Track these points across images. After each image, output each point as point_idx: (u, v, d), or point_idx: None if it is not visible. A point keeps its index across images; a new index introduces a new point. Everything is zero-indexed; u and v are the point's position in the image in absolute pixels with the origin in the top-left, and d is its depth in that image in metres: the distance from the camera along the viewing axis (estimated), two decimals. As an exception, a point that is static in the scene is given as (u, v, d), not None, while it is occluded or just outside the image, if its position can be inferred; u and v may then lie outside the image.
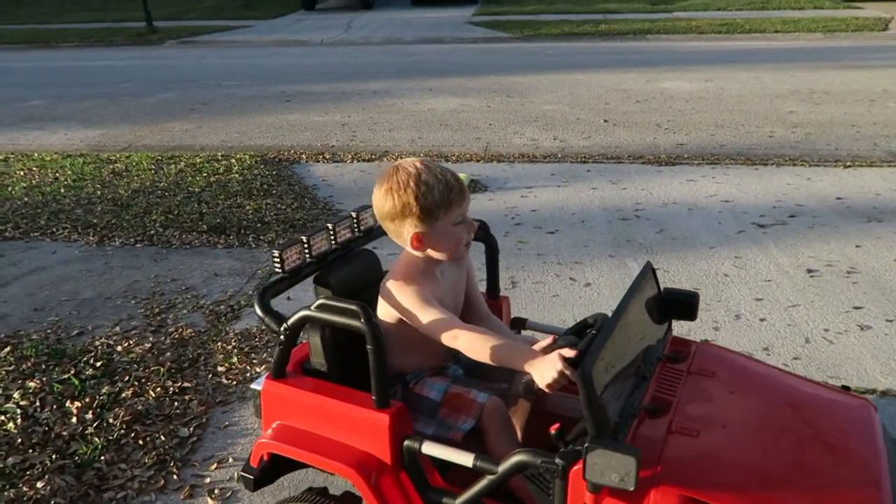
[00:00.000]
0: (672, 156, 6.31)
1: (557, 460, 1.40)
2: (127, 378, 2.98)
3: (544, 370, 1.47)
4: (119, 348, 3.25)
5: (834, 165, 5.88)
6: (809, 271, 3.87)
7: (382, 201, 1.74)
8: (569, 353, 1.45)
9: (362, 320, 1.52)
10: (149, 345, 3.27)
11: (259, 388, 1.78)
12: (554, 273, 3.96)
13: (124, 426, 2.65)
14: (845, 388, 1.77)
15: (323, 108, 8.72)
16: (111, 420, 2.69)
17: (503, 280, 3.86)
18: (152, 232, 4.76)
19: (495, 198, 5.31)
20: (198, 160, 6.44)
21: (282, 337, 1.68)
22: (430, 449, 1.59)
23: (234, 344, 3.26)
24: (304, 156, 6.62)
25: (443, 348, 1.72)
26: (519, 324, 2.27)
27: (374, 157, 6.55)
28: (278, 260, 1.79)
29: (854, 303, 3.51)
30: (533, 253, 4.25)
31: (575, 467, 1.37)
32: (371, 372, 1.56)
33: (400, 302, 1.72)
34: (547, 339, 1.66)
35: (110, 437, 2.59)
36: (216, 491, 2.35)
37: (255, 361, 3.11)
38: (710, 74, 10.20)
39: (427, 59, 12.61)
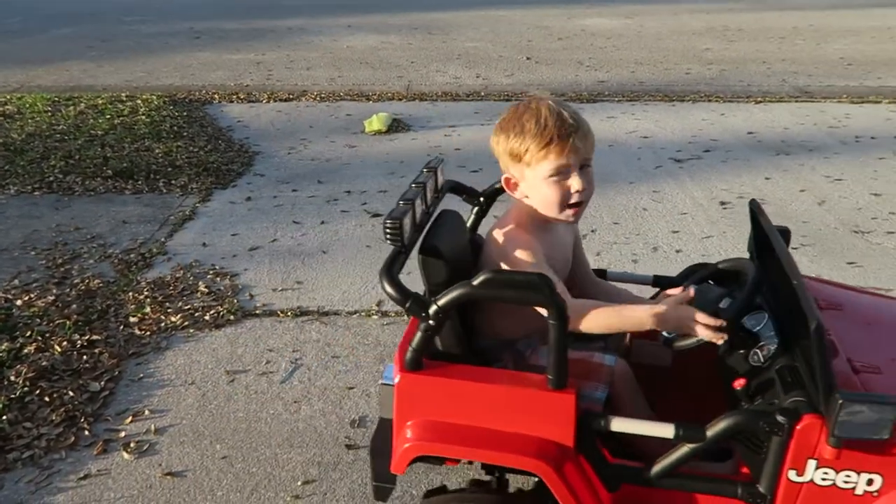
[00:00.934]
0: (593, 93, 6.34)
1: (780, 418, 1.32)
2: (29, 333, 2.79)
3: (678, 324, 1.42)
4: (19, 302, 3.04)
5: (746, 101, 6.06)
6: (722, 203, 4.00)
7: (493, 136, 1.62)
8: (708, 320, 1.41)
9: (548, 292, 1.32)
10: (52, 297, 3.07)
11: (392, 382, 1.49)
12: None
13: (28, 383, 2.50)
14: None
15: (235, 45, 8.28)
16: (13, 378, 2.53)
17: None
18: (51, 178, 4.44)
19: (418, 137, 5.21)
20: (99, 101, 6.01)
21: (431, 322, 1.38)
22: (622, 425, 1.43)
23: (146, 293, 3.11)
24: (216, 96, 6.29)
25: None
26: (599, 275, 2.03)
27: (291, 96, 6.29)
28: (396, 230, 1.47)
29: (762, 232, 3.66)
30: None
31: (801, 424, 1.31)
32: (551, 349, 1.37)
33: (508, 251, 1.53)
34: (680, 291, 1.59)
35: (12, 396, 2.44)
36: (132, 444, 2.26)
37: (170, 311, 2.98)
38: (631, 11, 10.25)
39: (345, -7, 12.11)
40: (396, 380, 1.47)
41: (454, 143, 5.07)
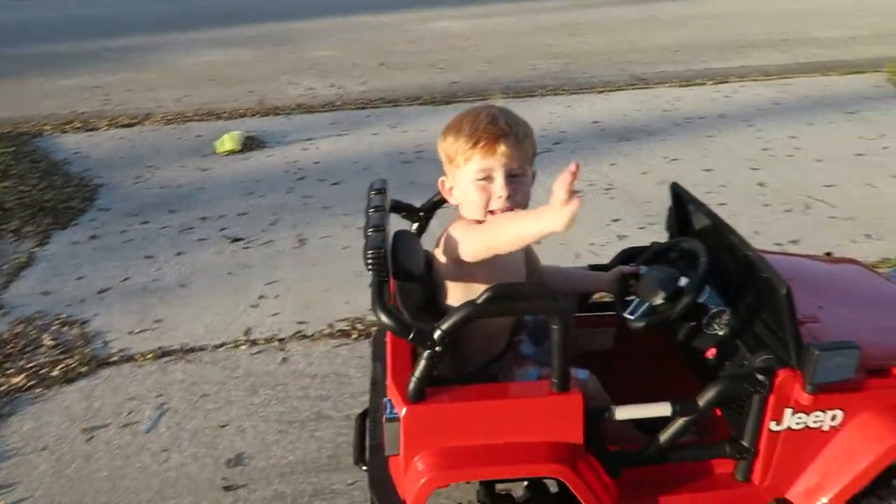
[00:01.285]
0: (447, 94, 6.46)
1: (759, 377, 1.46)
2: None
3: (561, 214, 1.31)
4: None
5: (589, 92, 6.40)
6: (575, 192, 4.20)
7: (439, 136, 1.60)
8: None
9: (552, 299, 1.35)
10: None
11: (398, 416, 1.43)
12: (342, 225, 3.90)
13: None
14: (828, 254, 2.18)
15: (66, 69, 7.68)
16: None
17: (289, 239, 3.74)
18: None
19: (275, 153, 5.08)
20: None
21: (438, 349, 1.36)
22: (625, 412, 1.50)
23: (-19, 355, 2.82)
24: (48, 127, 5.81)
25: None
26: None
27: (134, 121, 5.93)
28: (379, 260, 1.43)
29: (613, 216, 3.89)
30: (319, 206, 4.15)
31: (777, 379, 1.46)
32: (555, 354, 1.39)
33: (462, 265, 1.51)
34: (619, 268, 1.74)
35: None
36: (-23, 527, 2.04)
37: (10, 371, 2.71)
38: (483, 11, 10.54)
39: (183, 6, 11.57)
40: (403, 413, 1.42)
41: (312, 156, 4.99)
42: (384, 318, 1.36)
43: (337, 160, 4.90)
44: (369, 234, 1.52)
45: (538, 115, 5.74)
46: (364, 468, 1.77)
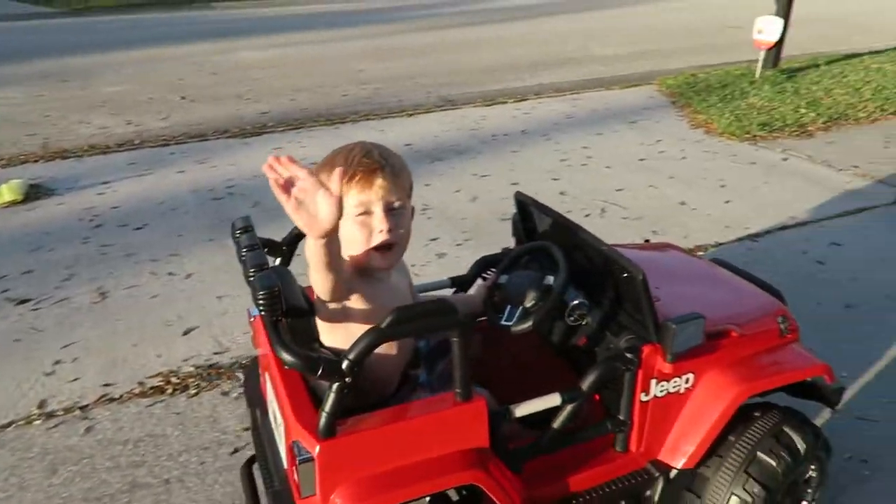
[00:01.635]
0: (257, 125, 6.28)
1: (629, 356, 1.63)
2: None
3: (320, 210, 1.24)
4: None
5: (400, 115, 6.54)
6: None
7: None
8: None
9: (454, 313, 1.37)
10: None
11: (311, 456, 1.35)
12: (149, 272, 3.62)
13: None
14: (647, 241, 2.45)
15: None
16: None
17: (87, 294, 3.41)
18: None
19: (66, 201, 4.62)
20: None
21: (348, 379, 1.33)
22: (521, 409, 1.59)
23: None
24: None
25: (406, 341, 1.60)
26: None
27: None
28: (273, 299, 1.36)
29: (430, 235, 3.98)
30: (121, 255, 3.82)
31: (643, 355, 1.65)
32: (457, 365, 1.43)
33: (343, 303, 1.47)
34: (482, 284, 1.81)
35: None
36: None
37: None
38: (285, 39, 10.41)
39: (-55, 44, 10.24)
40: (316, 451, 1.35)
41: (110, 201, 4.60)
42: (289, 357, 1.32)
43: (139, 203, 4.56)
44: (254, 274, 1.46)
45: (352, 141, 5.75)
46: None
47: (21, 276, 3.59)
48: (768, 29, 7.01)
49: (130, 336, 3.05)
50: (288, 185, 1.25)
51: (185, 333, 3.06)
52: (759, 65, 7.31)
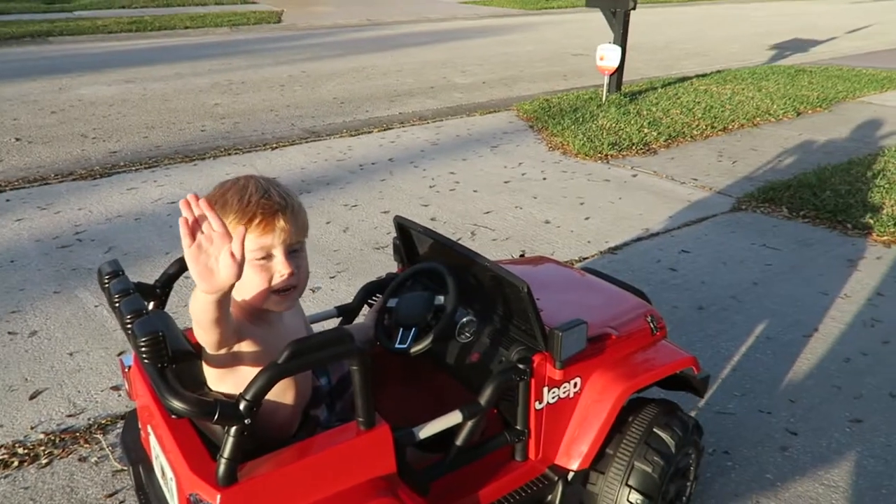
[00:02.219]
0: (106, 166, 5.88)
1: (521, 366, 1.68)
2: None
3: (220, 268, 1.19)
4: None
5: (263, 149, 6.38)
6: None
7: None
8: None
9: (350, 341, 1.33)
10: None
11: None
12: (-15, 332, 3.25)
13: None
14: (522, 255, 2.42)
15: None
16: None
17: None
18: None
19: None
20: None
21: (247, 420, 1.25)
22: (425, 431, 1.57)
23: None
24: None
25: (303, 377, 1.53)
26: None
27: None
28: (158, 345, 1.27)
29: (303, 270, 3.88)
30: (-51, 317, 3.41)
31: (534, 364, 1.69)
32: (357, 393, 1.39)
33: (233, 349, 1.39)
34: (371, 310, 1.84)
35: None
36: None
37: None
38: (129, 75, 9.85)
39: None
40: (217, 501, 1.26)
41: (-65, 256, 4.09)
42: (180, 405, 1.23)
43: (-27, 256, 4.10)
44: (132, 321, 1.35)
45: (214, 177, 5.53)
46: None
47: None
48: (609, 56, 7.56)
49: (-35, 406, 2.71)
50: (195, 227, 1.19)
51: (33, 397, 2.77)
52: (605, 89, 7.85)
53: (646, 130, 6.73)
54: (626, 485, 1.80)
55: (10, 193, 5.23)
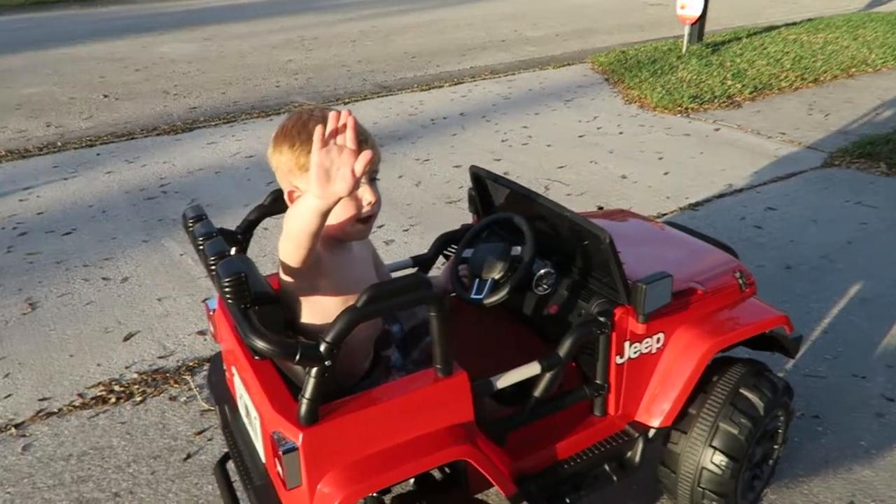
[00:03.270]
0: (187, 121, 6.05)
1: (602, 319, 1.62)
2: None
3: (337, 179, 1.20)
4: None
5: (336, 104, 6.42)
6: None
7: (274, 144, 1.46)
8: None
9: (428, 287, 1.31)
10: None
11: (294, 445, 1.28)
12: (82, 278, 3.44)
13: None
14: (600, 208, 2.47)
15: None
16: None
17: (15, 306, 3.21)
18: None
19: (-15, 210, 4.34)
20: None
21: (327, 363, 1.27)
22: (504, 381, 1.55)
23: None
24: None
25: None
26: None
27: None
28: (241, 286, 1.28)
29: (377, 223, 3.89)
30: (50, 262, 3.61)
31: (616, 318, 1.64)
32: (436, 341, 1.38)
33: (310, 279, 1.42)
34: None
35: None
36: None
37: None
38: (207, 33, 10.05)
39: None
40: (300, 440, 1.28)
41: (34, 206, 4.34)
42: (262, 345, 1.24)
43: (66, 207, 4.32)
44: (215, 263, 1.37)
45: (288, 132, 5.61)
46: None
47: (-61, 293, 3.35)
48: (690, 4, 7.17)
49: (66, 346, 2.89)
50: (330, 137, 1.22)
51: (126, 339, 2.92)
52: (685, 39, 7.48)
53: (729, 82, 6.40)
54: (710, 446, 1.75)
55: (101, 147, 5.47)
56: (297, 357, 1.25)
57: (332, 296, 1.46)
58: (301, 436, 1.29)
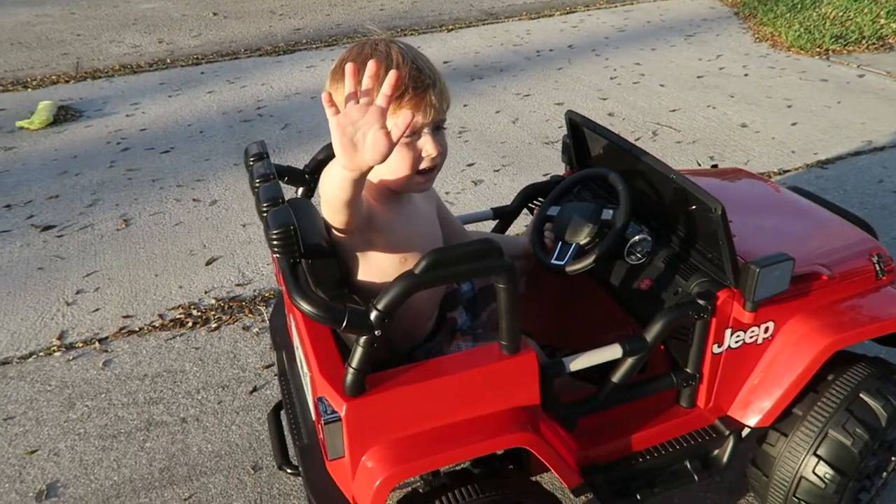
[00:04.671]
0: (290, 42, 6.00)
1: (701, 302, 1.40)
2: None
3: (367, 146, 1.04)
4: None
5: (439, 30, 6.16)
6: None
7: (331, 77, 1.28)
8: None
9: (497, 256, 1.15)
10: None
11: (338, 416, 1.19)
12: (174, 198, 3.50)
13: None
14: (714, 166, 2.19)
15: None
16: None
17: (112, 221, 3.31)
18: None
19: (94, 124, 4.49)
20: None
21: (377, 332, 1.14)
22: (578, 363, 1.39)
23: None
24: None
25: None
26: None
27: (-82, 98, 5.06)
28: (289, 239, 1.18)
29: (467, 160, 3.74)
30: (147, 179, 3.70)
31: (718, 301, 1.41)
32: (503, 314, 1.23)
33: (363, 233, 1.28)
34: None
35: None
36: None
37: None
38: (318, -49, 9.90)
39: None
40: (343, 411, 1.19)
41: (139, 122, 4.45)
42: (307, 307, 1.13)
43: (167, 125, 4.41)
44: (267, 210, 1.26)
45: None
46: (290, 472, 1.58)
47: (47, 202, 3.51)
48: (849, -73, 6.27)
49: (153, 265, 2.95)
50: (351, 96, 1.04)
51: (208, 263, 2.95)
52: (836, -30, 6.60)
53: (882, 21, 5.60)
54: (815, 454, 1.51)
55: (205, 66, 5.53)
56: (344, 324, 1.13)
57: (389, 253, 1.32)
58: (345, 407, 1.19)
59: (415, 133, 1.29)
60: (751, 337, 1.50)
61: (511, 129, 4.12)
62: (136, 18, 7.01)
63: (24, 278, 2.89)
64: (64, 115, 4.59)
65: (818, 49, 5.20)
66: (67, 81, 5.32)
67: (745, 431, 1.55)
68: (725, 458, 1.54)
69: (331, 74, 1.30)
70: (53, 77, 5.43)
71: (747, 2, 6.35)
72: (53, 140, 4.26)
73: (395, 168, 1.30)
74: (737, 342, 1.49)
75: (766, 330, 1.51)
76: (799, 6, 6.05)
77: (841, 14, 5.80)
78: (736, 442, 1.54)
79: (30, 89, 5.18)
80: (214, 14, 7.02)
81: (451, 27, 6.23)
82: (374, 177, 1.32)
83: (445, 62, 5.29)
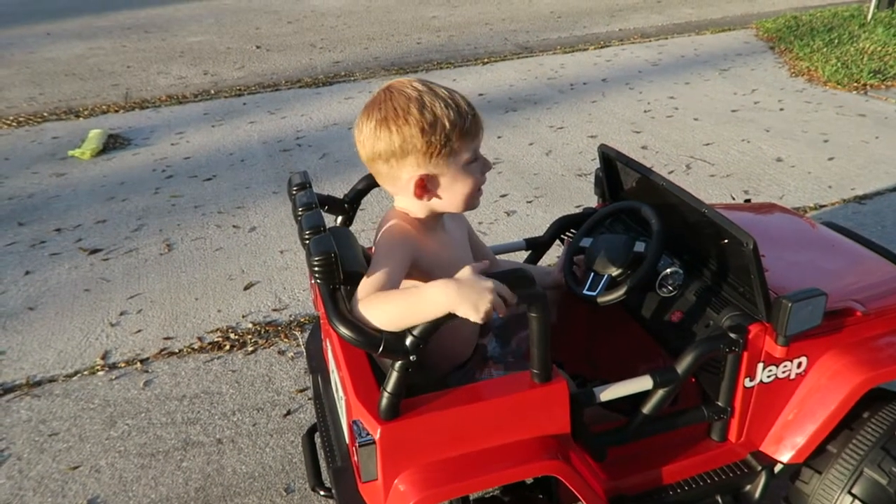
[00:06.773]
0: (329, 74, 6.17)
1: (733, 335, 1.41)
2: None
3: (477, 301, 1.15)
4: None
5: (475, 64, 6.28)
6: (462, 169, 4.07)
7: (373, 138, 1.32)
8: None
9: (530, 283, 1.20)
10: None
11: (372, 439, 1.23)
12: (215, 224, 3.61)
13: None
14: (748, 201, 2.21)
15: None
16: None
17: (155, 245, 3.42)
18: None
19: (141, 152, 4.67)
20: None
21: (413, 357, 1.18)
22: (608, 394, 1.41)
23: None
24: None
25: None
26: None
27: (-22, 126, 5.32)
28: (329, 266, 1.23)
29: (500, 191, 3.79)
30: (189, 206, 3.83)
31: (749, 335, 1.42)
32: (535, 342, 1.26)
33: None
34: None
35: None
36: None
37: None
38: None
39: (39, -3, 10.59)
40: (378, 434, 1.22)
41: (183, 151, 4.62)
42: (347, 332, 1.18)
43: (210, 154, 4.56)
44: (309, 237, 1.33)
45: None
46: (323, 494, 1.61)
47: (94, 226, 3.65)
48: (888, -37, 6.27)
49: (193, 289, 3.04)
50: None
51: (247, 288, 3.03)
52: (872, 5, 6.58)
53: (923, 56, 5.55)
54: (850, 492, 1.50)
55: (247, 97, 5.71)
56: (381, 349, 1.17)
57: (425, 280, 1.37)
58: (379, 430, 1.22)
59: (475, 157, 1.38)
60: (783, 372, 1.50)
61: (544, 160, 4.17)
62: (184, 51, 7.28)
63: (72, 299, 3.01)
64: (113, 143, 4.78)
65: (856, 84, 5.17)
66: (117, 111, 5.55)
67: (778, 468, 1.54)
68: (757, 495, 1.52)
69: (362, 120, 1.37)
70: (104, 107, 5.66)
71: (783, 36, 6.35)
72: (102, 167, 4.43)
73: (466, 192, 1.38)
74: (769, 377, 1.49)
75: (799, 365, 1.51)
76: (836, 41, 6.03)
77: (879, 49, 5.77)
78: (768, 478, 1.53)
79: (81, 118, 5.41)
80: (258, 47, 7.26)
81: (486, 60, 6.35)
82: (440, 200, 1.38)
83: (480, 94, 5.39)
